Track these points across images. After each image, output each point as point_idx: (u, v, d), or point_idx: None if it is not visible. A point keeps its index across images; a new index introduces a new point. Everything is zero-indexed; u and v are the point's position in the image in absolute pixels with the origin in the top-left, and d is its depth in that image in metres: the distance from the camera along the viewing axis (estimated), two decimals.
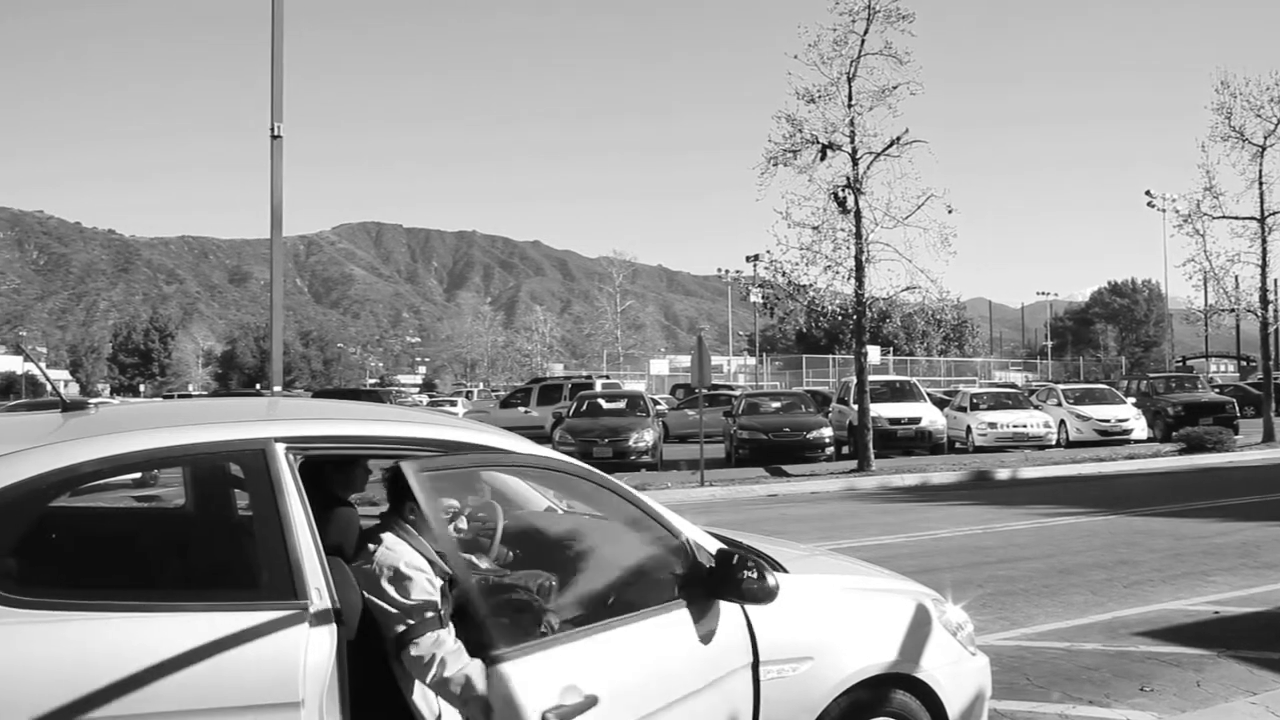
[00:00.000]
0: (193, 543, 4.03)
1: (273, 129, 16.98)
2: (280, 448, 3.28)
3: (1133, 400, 30.46)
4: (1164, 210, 65.28)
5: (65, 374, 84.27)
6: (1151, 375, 39.55)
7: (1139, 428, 27.63)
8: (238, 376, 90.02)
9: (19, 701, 2.76)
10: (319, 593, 3.11)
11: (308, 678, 3.01)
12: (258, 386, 61.48)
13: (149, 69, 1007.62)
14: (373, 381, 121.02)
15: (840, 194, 20.72)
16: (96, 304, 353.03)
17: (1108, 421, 27.60)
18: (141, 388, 77.14)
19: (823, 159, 20.80)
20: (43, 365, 5.89)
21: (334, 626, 3.09)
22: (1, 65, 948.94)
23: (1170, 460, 22.33)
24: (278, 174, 17.03)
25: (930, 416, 26.53)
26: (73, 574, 3.40)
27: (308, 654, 3.02)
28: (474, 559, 3.91)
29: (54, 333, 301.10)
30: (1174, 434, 27.95)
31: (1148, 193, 65.81)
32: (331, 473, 4.16)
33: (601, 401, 26.03)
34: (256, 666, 2.98)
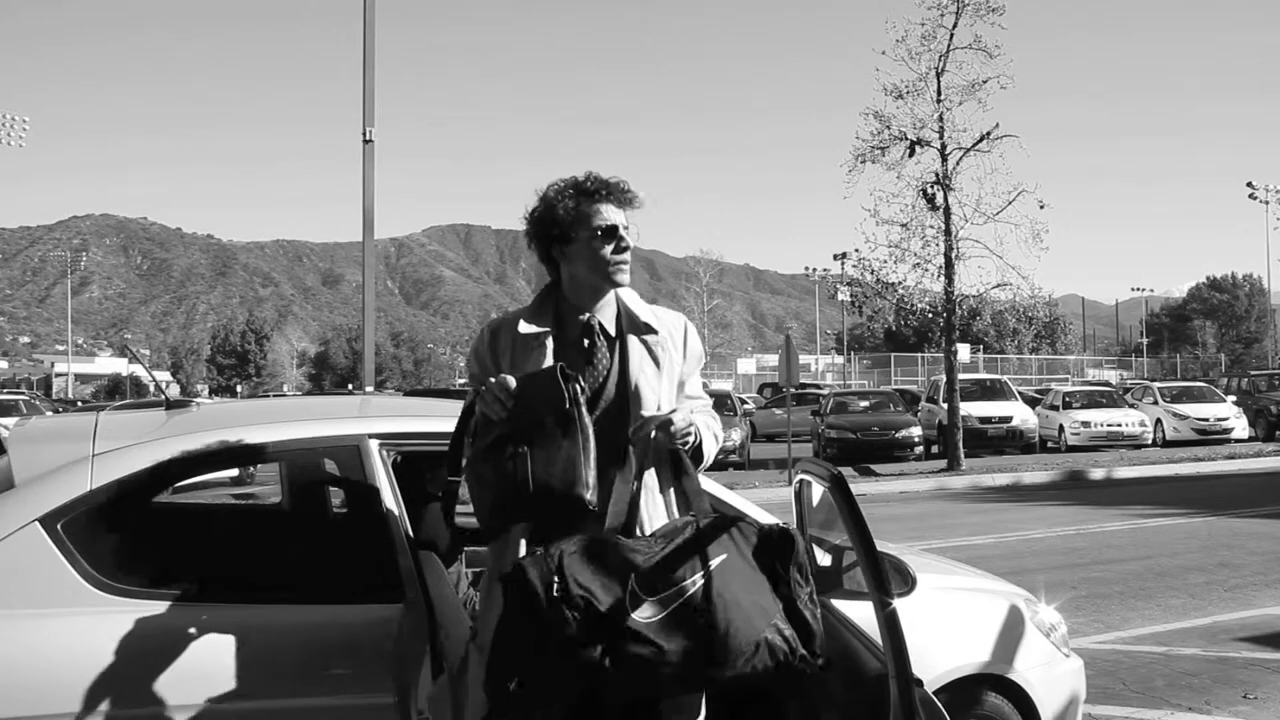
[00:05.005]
0: (288, 538, 4.14)
1: (364, 133, 17.27)
2: (374, 444, 3.35)
3: (1233, 398, 29.66)
4: (1267, 202, 63.52)
5: (167, 375, 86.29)
6: (1253, 372, 38.51)
7: (1239, 426, 26.86)
8: (330, 377, 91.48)
9: (112, 686, 2.87)
10: (411, 587, 3.17)
11: (400, 672, 3.06)
12: (350, 387, 62.50)
13: (243, 77, 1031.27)
14: (462, 381, 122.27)
15: (929, 190, 20.48)
16: (196, 307, 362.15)
17: (1206, 420, 26.87)
18: (239, 388, 78.70)
19: (911, 155, 20.58)
20: (146, 366, 6.09)
21: (426, 621, 3.15)
22: (106, 81, 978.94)
23: (1273, 460, 21.66)
24: (369, 178, 17.31)
25: (1022, 415, 26.11)
26: (173, 567, 3.51)
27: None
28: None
29: (156, 335, 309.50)
30: (1277, 433, 27.21)
31: (1249, 184, 64.02)
32: (425, 469, 4.25)
33: None
34: (349, 659, 3.05)
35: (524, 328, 2.91)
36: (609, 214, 2.89)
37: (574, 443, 2.64)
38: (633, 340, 2.94)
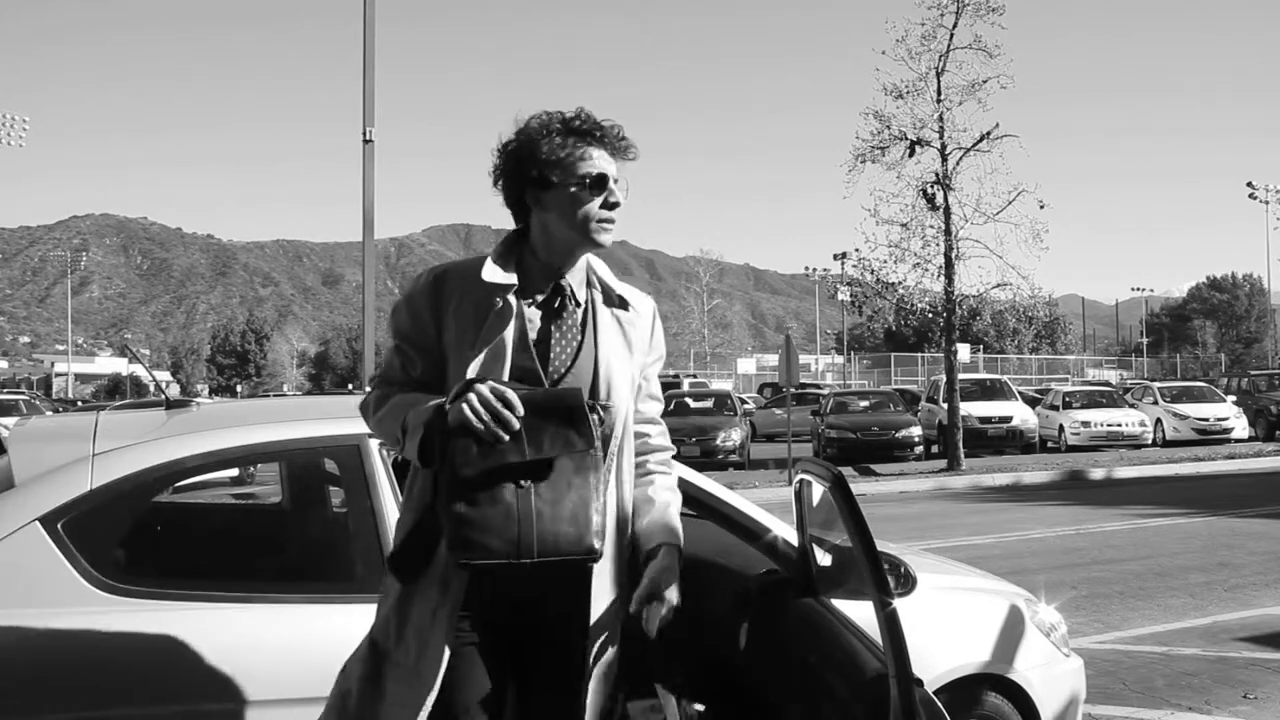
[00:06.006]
0: (289, 537, 4.14)
1: (364, 133, 17.24)
2: (374, 443, 3.35)
3: (1233, 398, 29.66)
4: (1267, 202, 63.55)
5: (167, 375, 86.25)
6: (1253, 372, 38.51)
7: (1239, 426, 26.87)
8: (330, 377, 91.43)
9: (117, 686, 2.87)
10: None
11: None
12: (350, 387, 62.51)
13: (243, 77, 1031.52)
14: None
15: (929, 190, 20.49)
16: (196, 307, 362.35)
17: (1206, 420, 26.88)
18: (239, 388, 78.66)
19: (911, 155, 20.58)
20: (147, 366, 6.08)
21: None
22: (106, 81, 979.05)
23: (1273, 460, 21.66)
24: (369, 178, 17.28)
25: (1022, 415, 26.12)
26: (173, 566, 3.51)
27: None
28: None
29: (156, 335, 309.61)
30: (1277, 433, 27.22)
31: (1249, 184, 64.02)
32: None
33: (689, 400, 26.03)
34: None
35: (491, 273, 2.46)
36: (600, 161, 2.46)
37: (585, 481, 2.31)
38: (605, 313, 2.56)
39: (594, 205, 2.45)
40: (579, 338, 2.51)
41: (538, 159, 2.43)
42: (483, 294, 2.45)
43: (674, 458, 2.85)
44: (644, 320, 2.65)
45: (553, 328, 2.49)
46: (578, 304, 2.54)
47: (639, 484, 2.65)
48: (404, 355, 2.50)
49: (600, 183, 2.45)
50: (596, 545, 2.32)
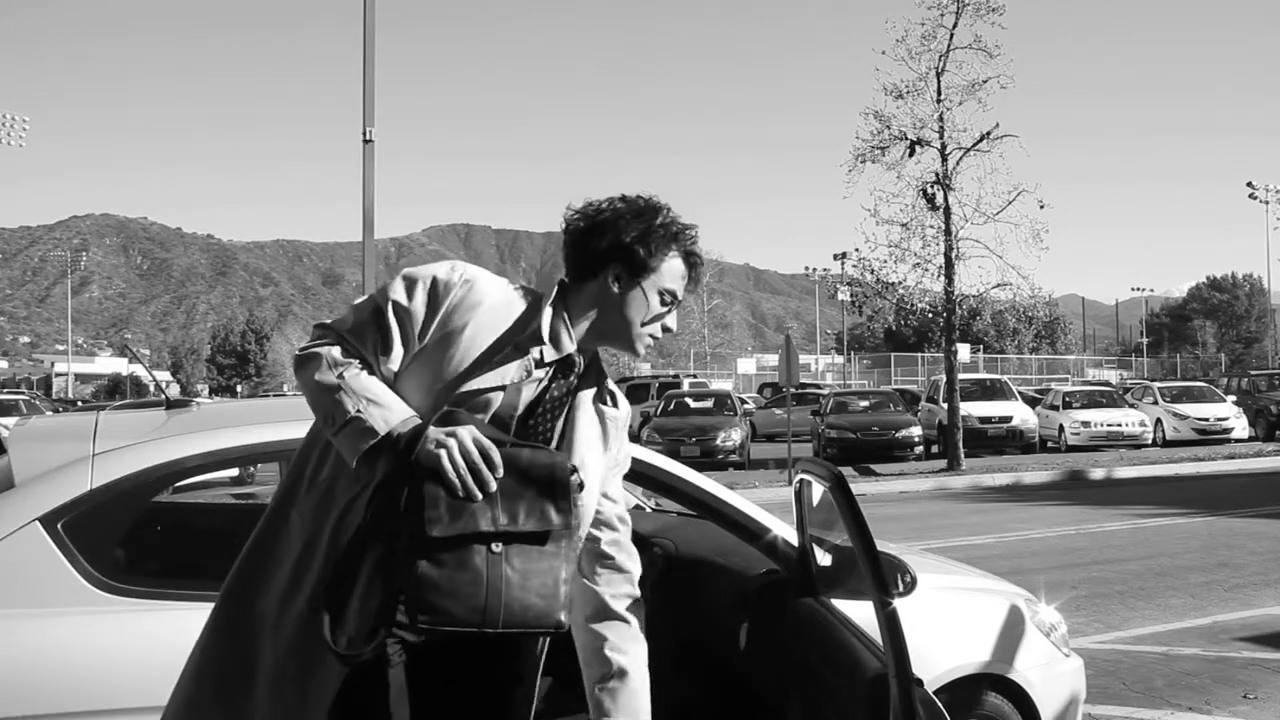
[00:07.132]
0: None
1: (364, 133, 17.23)
2: None
3: (1233, 398, 29.68)
4: (1267, 202, 63.55)
5: (167, 375, 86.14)
6: (1253, 372, 38.52)
7: (1239, 426, 26.88)
8: None
9: (116, 686, 2.86)
10: None
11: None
12: None
13: (243, 77, 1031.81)
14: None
15: (929, 190, 20.50)
16: (196, 307, 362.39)
17: (1206, 420, 26.89)
18: (239, 388, 78.53)
19: (911, 155, 20.60)
20: (147, 366, 6.08)
21: None
22: (106, 81, 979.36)
23: (1273, 460, 21.66)
24: (369, 178, 17.27)
25: (1022, 415, 26.13)
26: (173, 566, 3.51)
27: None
28: None
29: (156, 335, 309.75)
30: (1277, 433, 27.23)
31: (1249, 184, 64.02)
32: None
33: (689, 400, 26.05)
34: None
35: (550, 323, 2.29)
36: (684, 287, 2.40)
37: (556, 549, 2.15)
38: (587, 404, 2.38)
39: (658, 320, 2.37)
40: (561, 416, 2.33)
41: (648, 247, 2.30)
42: (512, 334, 2.25)
43: (674, 457, 2.84)
44: (623, 423, 2.47)
45: (545, 395, 2.30)
46: (576, 382, 2.37)
47: (603, 621, 2.44)
48: (384, 330, 2.22)
49: (674, 303, 2.39)
50: (563, 619, 2.16)
